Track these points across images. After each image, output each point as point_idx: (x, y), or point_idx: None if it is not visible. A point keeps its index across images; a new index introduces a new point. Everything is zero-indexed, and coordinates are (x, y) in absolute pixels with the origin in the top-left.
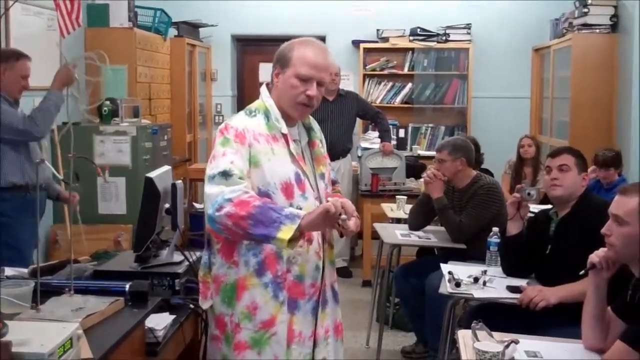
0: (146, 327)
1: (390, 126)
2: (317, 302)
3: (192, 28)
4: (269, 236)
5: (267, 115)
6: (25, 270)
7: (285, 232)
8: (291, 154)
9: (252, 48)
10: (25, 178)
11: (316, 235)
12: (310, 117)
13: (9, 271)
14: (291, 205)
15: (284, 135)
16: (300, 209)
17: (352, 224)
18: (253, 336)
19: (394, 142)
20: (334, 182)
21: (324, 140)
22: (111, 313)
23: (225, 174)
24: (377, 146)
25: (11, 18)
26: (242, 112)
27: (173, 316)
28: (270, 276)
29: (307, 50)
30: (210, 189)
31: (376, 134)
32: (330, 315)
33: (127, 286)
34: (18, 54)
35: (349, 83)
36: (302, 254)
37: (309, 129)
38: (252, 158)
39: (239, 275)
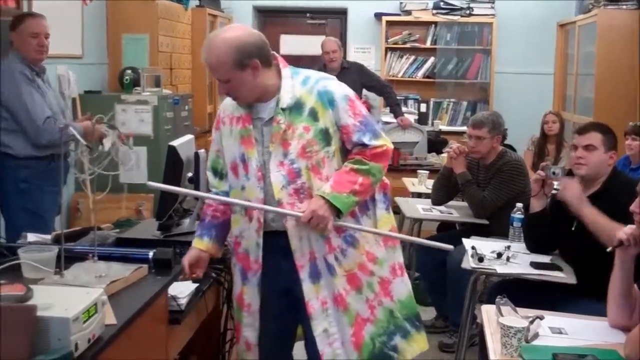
0: (169, 295)
1: (412, 100)
2: (260, 279)
3: None
4: None
5: None
6: (48, 237)
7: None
8: (241, 135)
9: (274, 19)
10: (45, 150)
11: (256, 214)
12: (302, 84)
13: (31, 237)
14: (238, 183)
15: (242, 117)
16: (244, 188)
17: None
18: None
19: (415, 117)
20: (361, 145)
21: (308, 107)
22: (135, 280)
23: (212, 171)
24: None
25: None
26: None
27: (195, 285)
28: (231, 240)
29: (201, 53)
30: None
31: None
32: (325, 287)
33: (151, 254)
34: (21, 16)
35: (370, 56)
36: (246, 230)
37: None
38: (220, 140)
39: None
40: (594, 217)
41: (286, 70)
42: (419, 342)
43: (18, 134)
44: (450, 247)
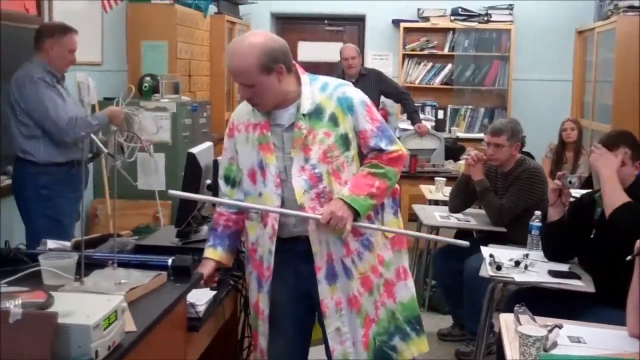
0: (188, 302)
1: (429, 107)
2: (270, 286)
3: (232, 5)
4: None
5: None
6: (68, 244)
7: (205, 252)
8: (259, 142)
9: (291, 26)
10: (66, 156)
11: (270, 220)
12: (320, 90)
13: (51, 244)
14: (255, 190)
15: (260, 123)
16: (262, 194)
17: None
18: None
19: (432, 124)
20: (378, 150)
21: (329, 112)
22: (154, 287)
23: (224, 179)
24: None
25: None
26: None
27: (213, 292)
28: (248, 247)
29: (225, 58)
30: (220, 181)
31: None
32: (341, 288)
33: (170, 261)
34: (65, 28)
35: (388, 63)
36: (261, 237)
37: (299, 109)
38: (235, 147)
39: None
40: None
41: (305, 77)
42: (418, 345)
43: (39, 140)
44: (466, 243)
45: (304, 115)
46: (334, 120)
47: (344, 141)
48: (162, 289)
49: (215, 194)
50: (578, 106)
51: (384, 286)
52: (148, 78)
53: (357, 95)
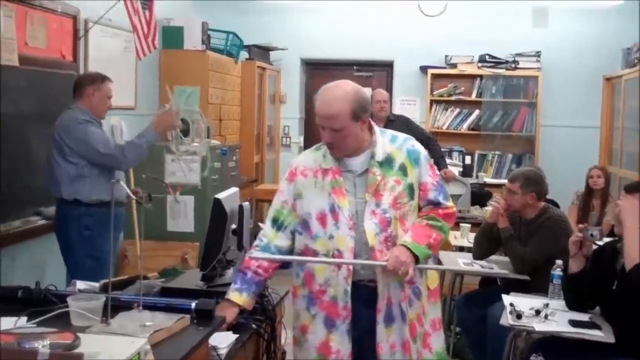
0: (210, 345)
1: (457, 152)
2: (350, 325)
3: (262, 51)
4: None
5: (325, 150)
6: (96, 284)
7: (230, 294)
8: (332, 186)
9: (321, 72)
10: (110, 195)
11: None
12: (390, 141)
13: (80, 284)
14: (325, 233)
15: (332, 169)
16: (333, 237)
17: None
18: (297, 335)
19: (459, 169)
20: (435, 203)
21: (399, 162)
22: (177, 330)
23: (271, 220)
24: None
25: (90, 39)
26: (315, 146)
27: (236, 335)
28: (307, 291)
29: (317, 101)
30: (265, 222)
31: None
32: (396, 332)
33: (193, 304)
34: (103, 77)
35: (415, 108)
36: (333, 278)
37: (373, 157)
38: (296, 192)
39: (293, 284)
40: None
41: (377, 128)
42: None
43: (85, 180)
44: (505, 272)
45: (378, 162)
46: (403, 170)
47: (410, 190)
48: (185, 332)
49: (241, 239)
50: (606, 153)
51: (423, 335)
52: (179, 122)
53: (423, 150)
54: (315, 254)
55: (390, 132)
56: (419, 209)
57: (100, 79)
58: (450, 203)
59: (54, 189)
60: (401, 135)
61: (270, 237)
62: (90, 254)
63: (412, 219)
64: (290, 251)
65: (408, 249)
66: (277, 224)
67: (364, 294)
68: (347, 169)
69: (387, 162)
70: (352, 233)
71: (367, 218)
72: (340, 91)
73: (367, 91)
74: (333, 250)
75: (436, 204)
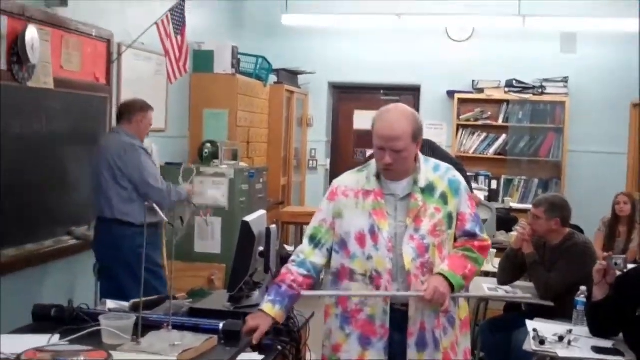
0: None
1: (483, 177)
2: (387, 343)
3: (291, 75)
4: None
5: (369, 172)
6: (126, 304)
7: (263, 305)
8: (373, 208)
9: (348, 95)
10: (156, 218)
11: (384, 283)
12: (433, 169)
13: (110, 304)
14: (364, 253)
15: (375, 191)
16: (371, 257)
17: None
18: (327, 354)
19: (485, 194)
20: (472, 235)
21: (440, 191)
22: (205, 350)
23: (309, 238)
24: None
25: (123, 63)
26: (358, 168)
27: (262, 356)
28: (341, 309)
29: (378, 122)
30: (303, 241)
31: None
32: (428, 358)
33: (221, 325)
34: (149, 106)
35: (442, 132)
36: (370, 298)
37: (416, 182)
38: (336, 211)
39: (325, 303)
40: None
41: (421, 156)
42: None
43: (135, 203)
44: (529, 295)
45: (420, 188)
46: (444, 199)
47: (449, 219)
48: (212, 352)
49: (267, 262)
50: (634, 179)
51: None
52: (208, 144)
53: (463, 181)
54: (352, 273)
55: (433, 161)
56: (455, 239)
57: (147, 107)
58: (485, 235)
59: (105, 209)
60: (443, 165)
61: (307, 254)
62: (148, 268)
63: (448, 247)
64: (325, 269)
65: (445, 278)
66: (315, 242)
67: (397, 317)
68: (389, 192)
69: (429, 190)
70: (390, 255)
71: (406, 242)
72: (401, 113)
73: None
74: (371, 271)
75: (472, 235)
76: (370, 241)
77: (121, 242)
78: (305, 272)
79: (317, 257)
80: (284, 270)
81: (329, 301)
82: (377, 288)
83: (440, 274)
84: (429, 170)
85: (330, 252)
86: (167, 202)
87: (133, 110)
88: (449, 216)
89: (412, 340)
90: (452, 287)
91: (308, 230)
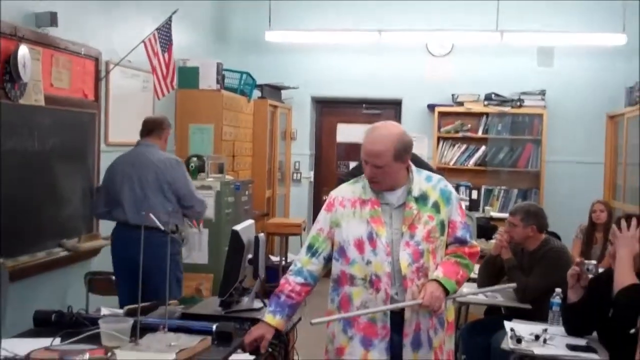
0: None
1: (464, 187)
2: (389, 343)
3: (274, 90)
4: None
5: (365, 183)
6: (120, 311)
7: (265, 317)
8: (371, 216)
9: (331, 109)
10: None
11: (383, 286)
12: (426, 180)
13: (104, 310)
14: (363, 258)
15: (371, 200)
16: (370, 262)
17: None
18: (333, 357)
19: (466, 204)
20: (462, 241)
21: (432, 200)
22: (200, 350)
23: (307, 247)
24: None
25: (111, 80)
26: (353, 179)
27: (252, 357)
28: (348, 311)
29: (365, 137)
30: (301, 250)
31: None
32: (422, 357)
33: (214, 327)
34: (168, 123)
35: (423, 145)
36: (371, 301)
37: (410, 192)
38: (334, 221)
39: (328, 308)
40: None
41: (413, 167)
42: None
43: (174, 214)
44: (513, 285)
45: (414, 198)
46: (436, 207)
47: (442, 227)
48: (207, 352)
49: (256, 268)
50: (610, 188)
51: None
52: (195, 159)
53: (454, 191)
54: (352, 278)
55: (425, 172)
56: (446, 245)
57: (168, 126)
58: (475, 242)
59: (147, 219)
60: (435, 176)
61: (303, 262)
62: (176, 274)
63: (441, 253)
64: (321, 276)
65: (440, 283)
66: (312, 250)
67: (394, 319)
68: (384, 201)
69: (422, 199)
70: (389, 259)
71: (402, 249)
72: (386, 132)
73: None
74: (371, 275)
75: (463, 242)
76: (369, 247)
77: (163, 251)
78: (302, 280)
79: (314, 265)
80: (282, 280)
81: (331, 306)
82: (377, 291)
83: (434, 280)
84: (422, 180)
85: (326, 259)
86: (202, 215)
87: (163, 127)
88: (442, 223)
89: (407, 340)
90: (446, 292)
91: (306, 240)
